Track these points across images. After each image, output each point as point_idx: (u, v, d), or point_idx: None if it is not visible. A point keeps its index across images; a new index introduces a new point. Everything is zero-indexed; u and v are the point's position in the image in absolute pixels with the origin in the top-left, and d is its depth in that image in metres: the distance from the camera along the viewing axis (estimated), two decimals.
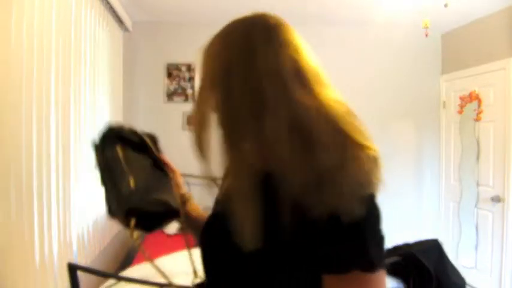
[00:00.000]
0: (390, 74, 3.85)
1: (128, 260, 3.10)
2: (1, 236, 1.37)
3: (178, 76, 3.68)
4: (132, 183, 0.74)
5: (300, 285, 0.60)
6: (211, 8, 3.30)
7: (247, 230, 0.58)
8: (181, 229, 0.77)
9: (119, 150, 0.75)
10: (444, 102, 3.87)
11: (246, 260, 0.61)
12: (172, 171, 0.96)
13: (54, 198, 1.82)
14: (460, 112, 3.63)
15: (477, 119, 3.39)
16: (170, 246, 2.55)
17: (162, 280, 1.19)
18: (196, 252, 0.74)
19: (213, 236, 0.71)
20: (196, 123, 0.68)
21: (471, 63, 3.48)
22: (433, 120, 3.93)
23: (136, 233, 0.73)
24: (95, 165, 0.73)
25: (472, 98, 3.46)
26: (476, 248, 3.39)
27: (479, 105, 3.37)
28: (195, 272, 0.81)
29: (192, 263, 0.83)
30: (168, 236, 3.10)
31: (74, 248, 2.08)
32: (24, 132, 1.53)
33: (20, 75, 1.50)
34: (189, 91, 3.69)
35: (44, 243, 1.70)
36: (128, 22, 3.18)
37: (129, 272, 1.91)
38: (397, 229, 3.49)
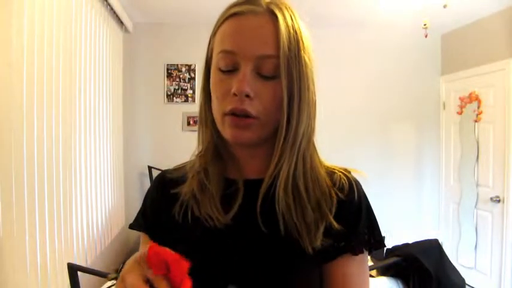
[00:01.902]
0: (390, 74, 3.85)
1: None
2: (2, 236, 1.38)
3: (178, 77, 3.69)
4: None
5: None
6: (211, 9, 3.29)
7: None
8: None
9: None
10: (444, 102, 3.87)
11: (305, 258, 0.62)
12: None
13: (55, 198, 1.82)
14: (460, 113, 3.63)
15: (477, 120, 3.39)
16: None
17: None
18: None
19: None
20: None
21: (471, 64, 3.48)
22: (433, 121, 3.93)
23: None
24: None
25: (472, 98, 3.46)
26: (475, 248, 3.39)
27: (479, 106, 3.38)
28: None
29: None
30: None
31: (75, 248, 2.08)
32: (25, 132, 1.53)
33: (21, 76, 1.50)
34: (189, 92, 3.70)
35: (44, 243, 1.70)
36: (128, 23, 3.18)
37: None
38: (397, 229, 3.51)
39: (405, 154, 3.91)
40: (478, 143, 3.39)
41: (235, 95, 0.59)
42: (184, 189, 0.67)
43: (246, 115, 0.59)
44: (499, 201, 3.12)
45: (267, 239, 0.62)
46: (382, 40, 3.81)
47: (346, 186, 0.66)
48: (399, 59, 3.86)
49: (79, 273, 1.55)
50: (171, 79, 3.68)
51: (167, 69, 3.68)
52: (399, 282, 2.17)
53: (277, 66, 0.59)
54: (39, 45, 1.63)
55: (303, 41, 0.61)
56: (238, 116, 0.59)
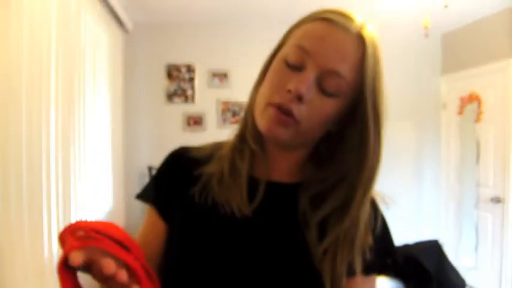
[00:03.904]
0: (390, 74, 3.81)
1: None
2: (1, 236, 1.37)
3: (178, 77, 3.68)
4: None
5: None
6: (211, 8, 3.30)
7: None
8: None
9: None
10: (444, 103, 3.87)
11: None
12: None
13: (54, 198, 1.82)
14: (460, 113, 3.63)
15: (477, 120, 3.39)
16: None
17: None
18: None
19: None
20: None
21: (471, 64, 3.48)
22: (433, 121, 3.93)
23: None
24: None
25: (472, 98, 3.46)
26: (476, 248, 3.39)
27: (479, 106, 3.37)
28: None
29: None
30: None
31: None
32: (24, 132, 1.53)
33: (21, 77, 1.50)
34: (189, 92, 3.69)
35: (44, 243, 1.70)
36: (128, 23, 3.18)
37: None
38: (397, 229, 3.50)
39: (405, 154, 3.91)
40: (478, 143, 3.39)
41: (289, 91, 0.57)
42: (211, 169, 0.66)
43: (289, 114, 0.58)
44: (499, 201, 3.11)
45: (279, 243, 0.62)
46: (382, 40, 3.75)
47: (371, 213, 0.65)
48: (399, 59, 3.85)
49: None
50: (171, 79, 3.68)
51: (167, 69, 3.68)
52: (399, 282, 2.17)
53: (340, 87, 0.58)
54: (38, 45, 1.63)
55: (381, 80, 0.61)
56: (280, 111, 0.58)
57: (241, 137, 0.67)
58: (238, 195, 0.63)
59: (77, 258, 0.42)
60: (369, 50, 0.58)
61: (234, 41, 3.68)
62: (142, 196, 0.72)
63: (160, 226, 0.68)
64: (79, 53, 2.17)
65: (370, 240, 0.62)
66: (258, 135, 0.64)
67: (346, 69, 0.57)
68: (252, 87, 0.67)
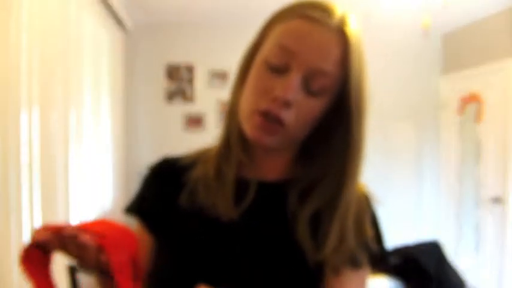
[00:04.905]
0: (390, 74, 3.85)
1: None
2: (1, 236, 1.37)
3: (178, 77, 3.68)
4: None
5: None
6: (211, 8, 3.30)
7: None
8: None
9: None
10: (444, 103, 3.87)
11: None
12: None
13: (55, 199, 1.82)
14: (461, 113, 3.63)
15: (477, 120, 3.39)
16: None
17: None
18: None
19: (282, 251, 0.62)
20: None
21: (472, 64, 3.48)
22: (433, 121, 3.93)
23: None
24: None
25: (473, 98, 3.46)
26: (476, 248, 3.39)
27: (479, 106, 3.37)
28: None
29: None
30: None
31: None
32: (24, 132, 1.53)
33: (20, 77, 1.50)
34: (189, 92, 3.69)
35: None
36: (128, 23, 3.18)
37: None
38: (397, 230, 3.51)
39: (405, 154, 3.91)
40: (478, 143, 3.39)
41: (276, 98, 0.55)
42: (196, 173, 0.64)
43: (278, 122, 0.57)
44: (499, 201, 3.11)
45: (272, 243, 0.62)
46: (382, 39, 3.80)
47: (362, 203, 0.64)
48: (399, 58, 3.85)
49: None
50: (171, 79, 3.68)
51: (167, 69, 3.68)
52: (399, 282, 2.17)
53: (326, 86, 0.57)
54: (38, 45, 1.63)
55: (365, 73, 0.62)
56: (268, 119, 0.56)
57: (226, 143, 0.65)
58: (225, 200, 0.61)
59: (39, 234, 0.48)
60: (352, 44, 0.57)
61: (234, 41, 3.67)
62: (128, 210, 0.70)
63: (146, 238, 0.67)
64: (79, 53, 2.16)
65: (369, 231, 0.62)
66: (244, 140, 0.62)
67: (330, 67, 0.56)
68: (231, 89, 0.65)
